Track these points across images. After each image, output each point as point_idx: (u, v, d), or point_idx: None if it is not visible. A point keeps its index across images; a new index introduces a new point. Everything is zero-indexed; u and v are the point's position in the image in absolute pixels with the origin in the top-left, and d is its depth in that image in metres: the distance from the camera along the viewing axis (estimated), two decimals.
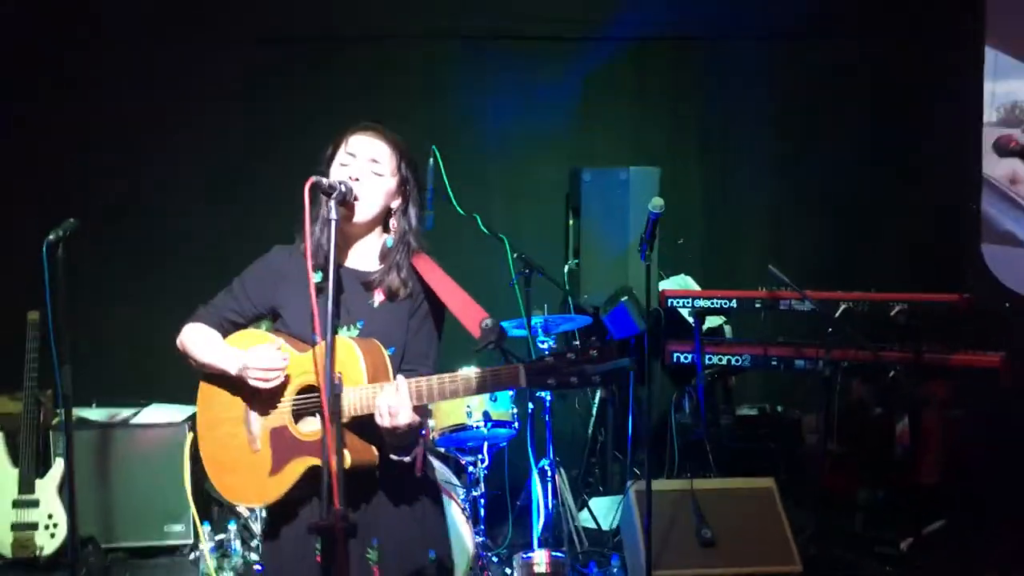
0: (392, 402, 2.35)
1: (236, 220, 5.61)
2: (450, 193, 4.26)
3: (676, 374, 5.31)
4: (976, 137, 5.63)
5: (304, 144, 5.50)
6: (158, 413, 5.21)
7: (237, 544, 4.69)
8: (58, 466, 4.72)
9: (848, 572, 4.65)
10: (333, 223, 2.37)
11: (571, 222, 5.69)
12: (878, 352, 4.20)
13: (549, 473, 4.52)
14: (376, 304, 2.59)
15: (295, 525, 2.57)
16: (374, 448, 2.47)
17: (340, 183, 2.43)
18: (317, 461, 2.45)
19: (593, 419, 5.52)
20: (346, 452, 2.41)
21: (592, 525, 5.07)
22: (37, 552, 4.60)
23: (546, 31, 5.81)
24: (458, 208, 4.27)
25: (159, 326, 5.50)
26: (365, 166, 2.56)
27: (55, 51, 5.56)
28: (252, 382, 2.50)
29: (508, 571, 4.36)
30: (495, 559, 4.56)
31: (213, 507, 5.14)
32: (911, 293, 4.47)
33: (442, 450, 4.51)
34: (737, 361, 4.93)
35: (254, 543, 4.67)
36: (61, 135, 5.59)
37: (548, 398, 4.54)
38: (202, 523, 4.90)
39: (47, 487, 4.66)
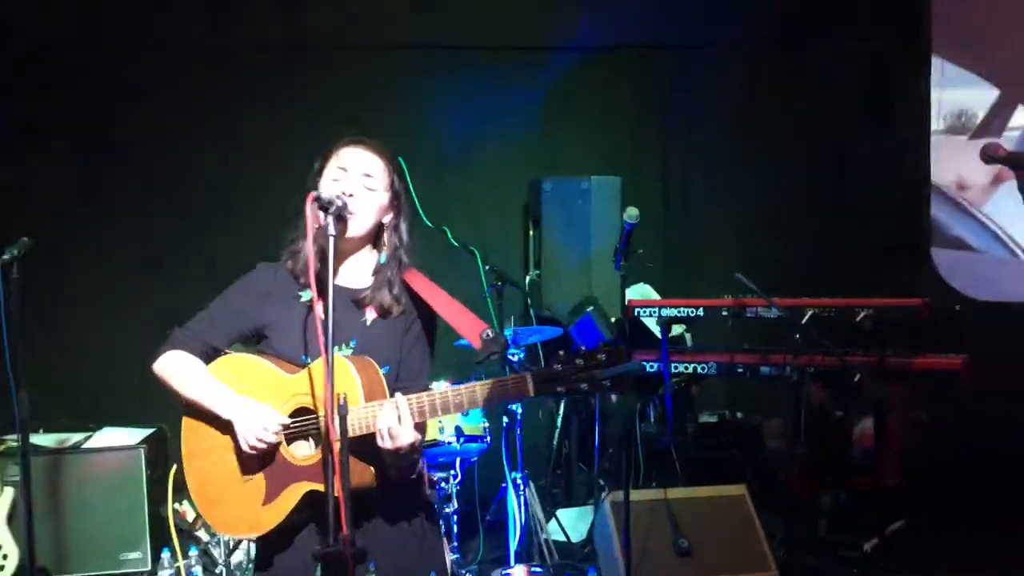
0: (392, 421, 2.29)
1: (179, 234, 5.48)
2: (418, 206, 4.18)
3: (641, 383, 5.31)
4: (925, 144, 5.77)
5: (259, 154, 5.54)
6: (111, 437, 5.02)
7: (199, 571, 4.54)
8: (6, 495, 4.51)
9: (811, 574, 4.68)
10: (332, 239, 2.29)
11: (531, 232, 5.67)
12: (844, 357, 4.24)
13: (521, 486, 4.47)
14: (369, 322, 2.52)
15: (291, 554, 2.47)
16: (372, 469, 2.39)
17: (337, 197, 2.36)
18: (315, 486, 2.37)
19: (558, 430, 5.49)
20: (334, 476, 2.33)
21: (560, 537, 5.04)
22: None
23: (506, 41, 5.79)
24: (426, 220, 4.20)
25: (105, 346, 5.46)
26: (358, 180, 2.49)
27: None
28: (243, 443, 2.40)
29: None
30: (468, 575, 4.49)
31: (171, 533, 4.97)
32: (875, 299, 4.53)
33: None
34: (703, 369, 4.95)
35: (217, 570, 4.53)
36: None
37: (519, 410, 4.50)
38: (161, 550, 4.77)
39: None
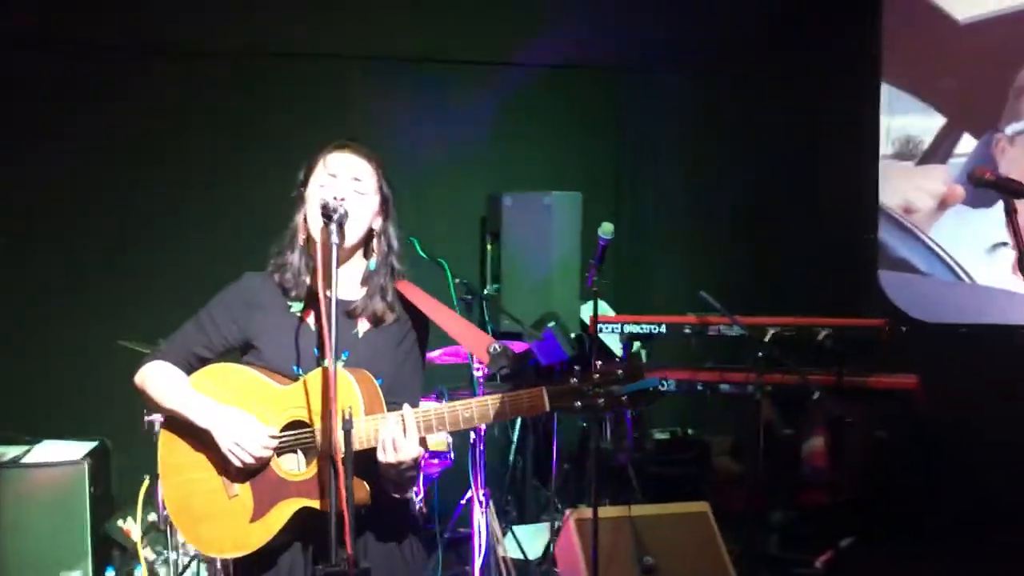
0: (397, 433, 2.22)
1: (121, 245, 5.32)
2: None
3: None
4: (874, 169, 5.91)
5: (217, 164, 5.39)
6: (52, 451, 4.79)
7: None
8: None
9: None
10: (335, 248, 2.22)
11: (490, 247, 5.62)
12: (806, 376, 4.30)
13: (483, 504, 4.41)
14: (361, 334, 2.44)
15: (275, 574, 2.38)
16: (367, 485, 2.31)
17: (339, 204, 2.29)
18: (308, 502, 2.29)
19: (514, 447, 5.45)
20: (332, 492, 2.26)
21: (517, 555, 4.98)
22: None
23: (461, 55, 5.75)
24: None
25: (42, 356, 5.23)
26: (348, 185, 2.42)
27: None
28: (229, 456, 2.31)
29: None
30: None
31: (114, 551, 4.78)
32: (836, 318, 4.61)
33: None
34: (663, 386, 4.96)
35: None
36: None
37: (483, 426, 4.44)
38: (104, 568, 4.58)
39: None
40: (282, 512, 2.31)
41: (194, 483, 2.39)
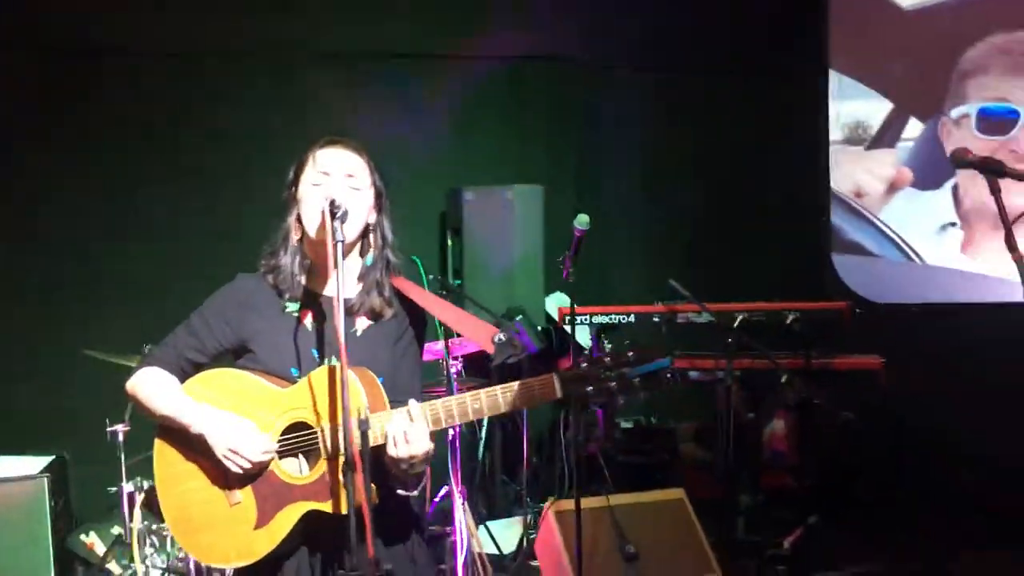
0: (408, 428, 2.17)
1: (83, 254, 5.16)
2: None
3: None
4: (824, 154, 6.01)
5: (166, 166, 5.25)
6: (9, 466, 4.62)
7: None
8: None
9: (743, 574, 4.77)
10: (340, 246, 2.17)
11: (451, 242, 5.57)
12: (776, 360, 4.35)
13: (462, 500, 4.38)
14: (359, 332, 2.39)
15: None
16: (373, 485, 2.27)
17: (342, 202, 2.24)
18: (316, 505, 2.24)
19: (482, 442, 5.42)
20: (343, 493, 2.22)
21: (491, 550, 4.96)
22: None
23: (419, 48, 5.68)
24: None
25: None
26: (343, 182, 2.37)
27: None
28: (226, 463, 2.25)
29: None
30: None
31: (77, 566, 4.62)
32: (801, 302, 4.68)
33: None
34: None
35: None
36: None
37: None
38: None
39: None
40: (288, 517, 2.25)
41: (192, 492, 2.32)
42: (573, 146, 6.13)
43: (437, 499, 4.65)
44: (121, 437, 4.29)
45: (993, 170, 2.61)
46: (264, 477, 2.28)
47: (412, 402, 2.21)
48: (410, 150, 5.62)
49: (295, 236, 2.39)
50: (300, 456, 2.31)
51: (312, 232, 2.32)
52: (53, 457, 4.68)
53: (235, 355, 2.41)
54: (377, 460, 2.20)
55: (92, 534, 4.61)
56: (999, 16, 5.59)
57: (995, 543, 4.69)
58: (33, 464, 4.59)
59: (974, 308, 5.66)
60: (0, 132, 5.09)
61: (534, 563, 5.01)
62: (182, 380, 2.37)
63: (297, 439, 2.28)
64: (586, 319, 4.89)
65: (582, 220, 3.80)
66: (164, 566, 4.29)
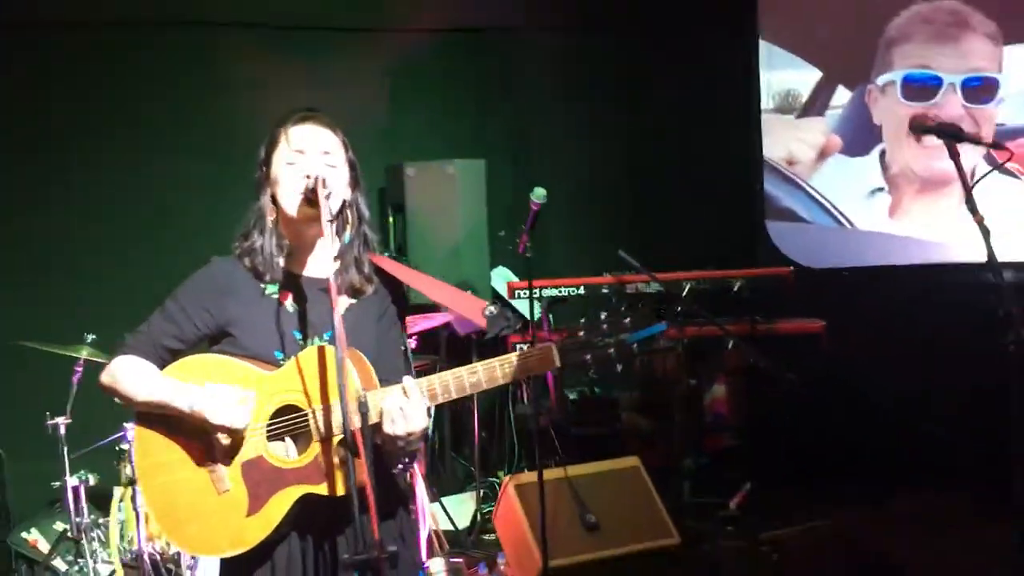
0: (404, 405, 2.14)
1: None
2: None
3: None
4: (756, 123, 6.12)
5: (80, 144, 5.04)
6: None
7: None
8: None
9: (697, 537, 4.87)
10: (332, 226, 2.12)
11: (392, 219, 5.51)
12: (724, 327, 4.44)
13: (423, 476, 4.36)
14: (341, 311, 2.34)
15: (269, 570, 2.27)
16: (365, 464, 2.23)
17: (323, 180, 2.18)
18: (310, 488, 2.19)
19: (431, 420, 5.39)
20: (338, 475, 2.18)
21: (446, 526, 4.96)
22: None
23: (346, 22, 5.57)
24: None
25: None
26: (319, 159, 2.31)
27: None
28: (233, 419, 2.18)
29: None
30: None
31: (21, 565, 4.47)
32: (746, 269, 4.77)
33: None
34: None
35: None
36: None
37: None
38: None
39: None
40: (282, 502, 2.20)
41: (178, 483, 2.25)
42: (505, 117, 6.11)
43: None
44: (63, 430, 4.15)
45: (951, 135, 2.69)
46: (254, 463, 2.22)
47: (407, 378, 2.18)
48: (342, 125, 5.51)
49: (270, 218, 2.32)
50: (288, 440, 2.26)
51: (293, 212, 2.26)
52: None
53: (212, 341, 2.34)
54: (370, 440, 2.17)
55: (35, 531, 4.46)
56: None
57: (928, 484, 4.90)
58: None
59: (903, 270, 5.84)
60: None
61: (488, 537, 5.04)
62: (160, 368, 2.29)
63: (286, 422, 2.23)
64: (536, 293, 4.89)
65: (539, 194, 3.80)
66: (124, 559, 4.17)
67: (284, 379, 2.22)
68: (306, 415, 2.20)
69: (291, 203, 2.26)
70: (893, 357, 5.26)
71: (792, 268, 4.94)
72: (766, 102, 6.11)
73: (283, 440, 2.26)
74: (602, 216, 6.23)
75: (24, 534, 4.46)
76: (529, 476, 4.33)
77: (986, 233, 2.53)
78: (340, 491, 2.17)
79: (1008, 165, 5.62)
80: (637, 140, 6.16)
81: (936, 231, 5.82)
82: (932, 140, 5.94)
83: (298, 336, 2.29)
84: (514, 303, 5.12)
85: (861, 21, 5.90)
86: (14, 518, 4.66)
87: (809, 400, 5.05)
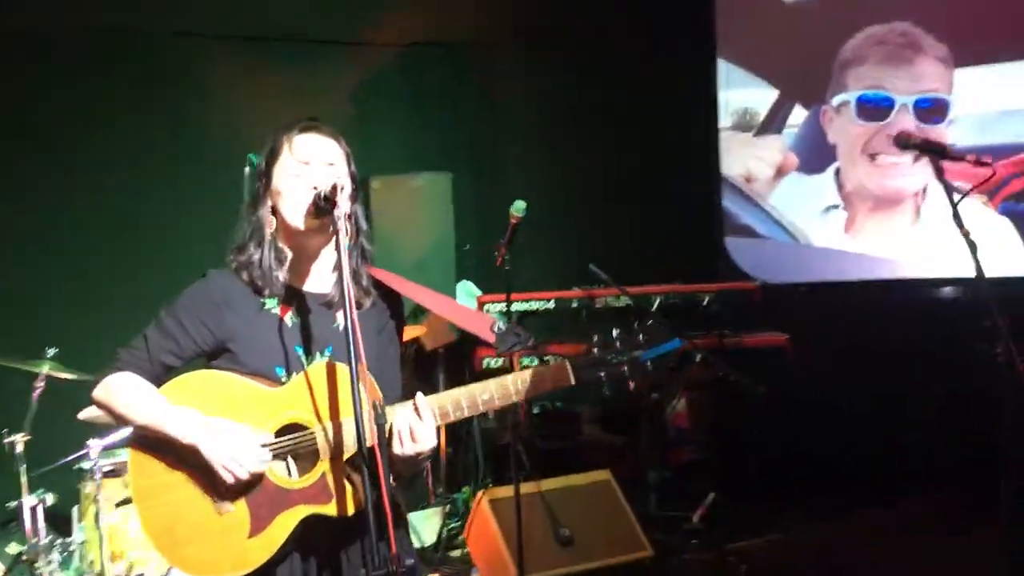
0: (415, 423, 2.12)
1: None
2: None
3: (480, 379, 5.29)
4: (714, 141, 6.22)
5: (50, 152, 4.90)
6: None
7: None
8: None
9: (665, 550, 4.90)
10: (344, 237, 2.08)
11: None
12: (694, 341, 4.49)
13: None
14: (341, 328, 2.30)
15: None
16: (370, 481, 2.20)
17: (334, 192, 2.15)
18: (316, 508, 2.16)
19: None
20: (348, 494, 2.15)
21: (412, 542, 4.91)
22: None
23: (314, 34, 5.53)
24: None
25: None
26: (323, 170, 2.28)
27: None
28: (222, 473, 2.13)
29: None
30: None
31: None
32: (715, 284, 4.84)
33: None
34: (549, 360, 5.00)
35: None
36: None
37: None
38: None
39: None
40: (285, 523, 2.16)
41: (176, 504, 2.18)
42: (472, 131, 6.11)
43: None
44: (20, 448, 4.01)
45: (936, 151, 2.76)
46: (257, 483, 2.17)
47: (419, 395, 2.15)
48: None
49: (269, 230, 2.27)
50: (289, 459, 2.21)
51: (298, 224, 2.22)
52: None
53: (210, 357, 2.28)
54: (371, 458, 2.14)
55: None
56: (874, 9, 5.91)
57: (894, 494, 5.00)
58: None
59: (857, 285, 5.98)
60: None
61: (454, 553, 5.00)
62: (156, 386, 2.23)
63: (291, 441, 2.18)
64: (505, 307, 4.87)
65: (519, 207, 3.81)
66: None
67: (289, 397, 2.18)
68: (312, 433, 2.16)
69: (296, 215, 2.22)
70: (854, 369, 5.37)
71: (759, 283, 5.01)
72: (724, 120, 6.21)
73: (284, 459, 2.21)
74: (564, 231, 6.26)
75: None
76: (503, 491, 4.31)
77: (973, 247, 2.58)
78: (350, 510, 2.14)
79: (958, 184, 5.84)
80: (600, 156, 6.21)
81: (888, 248, 5.97)
82: (885, 159, 6.17)
83: (300, 351, 2.25)
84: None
85: (816, 42, 6.04)
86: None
87: (776, 412, 5.15)
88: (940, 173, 2.70)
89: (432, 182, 5.29)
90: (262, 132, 5.39)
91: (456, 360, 5.04)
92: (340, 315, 2.31)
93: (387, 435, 2.13)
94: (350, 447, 2.14)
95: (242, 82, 5.28)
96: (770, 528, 4.96)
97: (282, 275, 2.28)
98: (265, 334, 2.24)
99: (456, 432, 5.64)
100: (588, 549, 4.20)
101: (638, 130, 6.23)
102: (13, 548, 4.30)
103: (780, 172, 6.14)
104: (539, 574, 4.03)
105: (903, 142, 2.81)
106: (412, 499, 5.52)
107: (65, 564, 4.24)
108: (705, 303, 4.66)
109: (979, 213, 5.64)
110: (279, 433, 2.18)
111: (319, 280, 2.32)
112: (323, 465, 2.15)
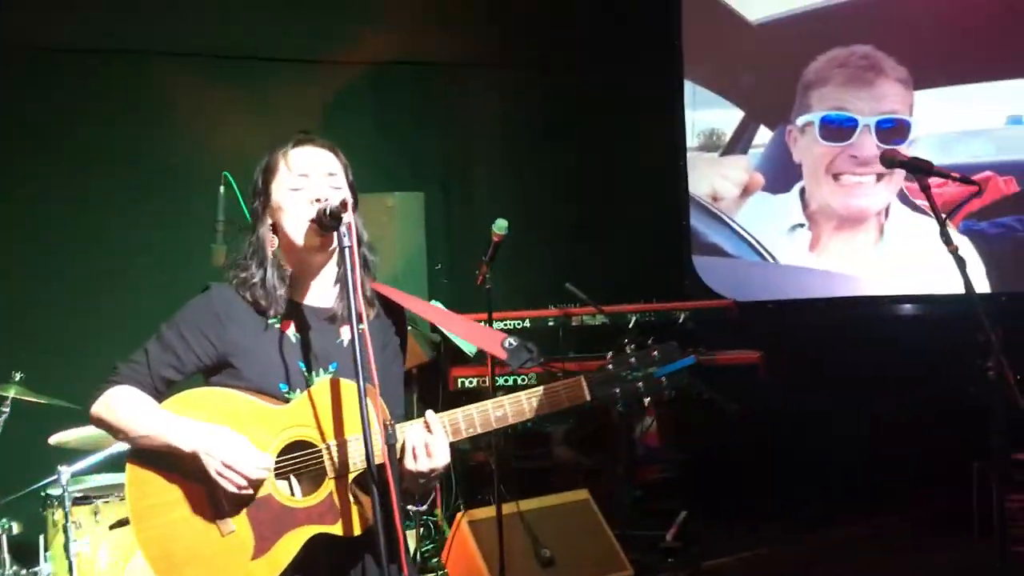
0: (429, 440, 2.08)
1: None
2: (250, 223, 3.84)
3: (455, 400, 5.25)
4: (682, 160, 6.27)
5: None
6: None
7: None
8: None
9: (640, 570, 4.89)
10: (348, 251, 2.05)
11: None
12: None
13: None
14: (345, 343, 2.27)
15: None
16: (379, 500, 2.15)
17: (339, 208, 2.12)
18: (323, 528, 2.11)
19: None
20: (355, 513, 2.11)
21: None
22: None
23: (280, 53, 5.47)
24: None
25: None
26: (324, 182, 2.25)
27: None
28: (220, 481, 2.07)
29: None
30: None
31: None
32: (690, 302, 4.87)
33: None
34: (523, 380, 4.99)
35: None
36: None
37: None
38: None
39: None
40: (290, 544, 2.10)
41: (176, 524, 2.12)
42: (443, 151, 6.09)
43: None
44: None
45: (922, 169, 2.80)
46: (261, 502, 2.11)
47: (429, 412, 2.12)
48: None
49: (270, 249, 2.23)
50: (292, 478, 2.16)
51: (300, 239, 2.18)
52: None
53: (210, 372, 2.23)
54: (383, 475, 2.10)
55: None
56: (837, 32, 6.03)
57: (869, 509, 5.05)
58: None
59: (821, 303, 6.07)
60: None
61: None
62: (157, 401, 2.17)
63: (296, 460, 2.13)
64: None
65: (501, 225, 3.80)
66: None
67: (294, 414, 2.13)
68: (319, 451, 2.11)
69: (299, 230, 2.18)
70: (823, 385, 5.43)
71: (734, 301, 5.06)
72: (691, 140, 6.27)
73: (287, 479, 2.16)
74: (532, 250, 6.25)
75: None
76: (482, 512, 4.28)
77: (960, 262, 2.62)
78: (357, 530, 2.10)
79: (919, 203, 5.97)
80: (570, 176, 6.22)
81: (852, 265, 6.07)
82: (848, 179, 6.27)
83: (303, 367, 2.21)
84: (455, 336, 5.07)
85: (781, 64, 6.15)
86: None
87: (748, 429, 5.19)
88: (927, 190, 2.73)
89: (404, 201, 5.25)
90: (231, 151, 5.36)
91: (430, 381, 4.99)
92: (344, 330, 2.27)
93: (400, 452, 2.09)
94: (357, 465, 2.09)
95: (210, 101, 5.19)
96: (745, 545, 4.98)
97: (283, 292, 2.23)
98: (268, 349, 2.19)
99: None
100: (569, 569, 4.18)
101: (606, 149, 6.26)
102: None
103: (746, 191, 6.21)
104: None
105: (888, 160, 2.84)
106: None
107: None
108: (681, 320, 4.68)
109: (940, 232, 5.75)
110: (284, 451, 2.14)
111: (321, 294, 2.28)
112: (330, 484, 2.10)
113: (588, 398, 2.15)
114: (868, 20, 5.98)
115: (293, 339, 2.22)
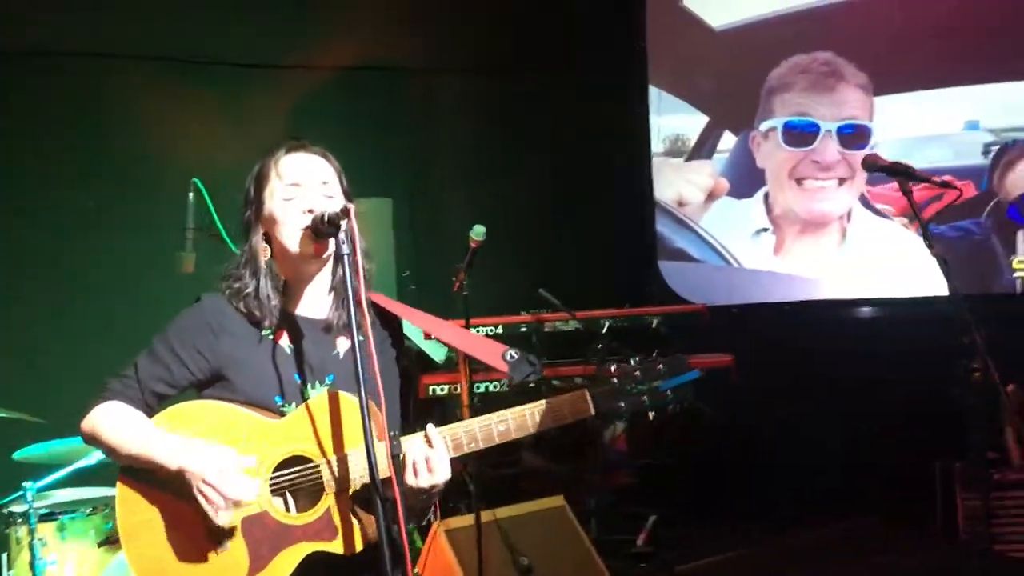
0: (431, 455, 2.05)
1: None
2: (222, 231, 3.76)
3: (426, 408, 5.20)
4: (647, 166, 6.30)
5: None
6: None
7: None
8: None
9: (616, 574, 4.88)
10: (347, 259, 2.01)
11: None
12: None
13: None
14: (342, 354, 2.23)
15: None
16: (374, 520, 2.12)
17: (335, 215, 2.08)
18: (321, 545, 2.07)
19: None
20: (355, 529, 2.07)
21: None
22: None
23: (248, 58, 5.39)
24: (233, 247, 3.78)
25: None
26: (317, 191, 2.21)
27: None
28: (200, 500, 2.00)
29: None
30: None
31: None
32: (662, 307, 4.88)
33: None
34: (495, 387, 4.96)
35: None
36: None
37: None
38: None
39: None
40: (287, 561, 2.06)
41: (168, 542, 2.07)
42: (411, 157, 6.04)
43: None
44: None
45: (903, 173, 2.83)
46: (257, 519, 2.06)
47: (430, 426, 2.08)
48: (243, 163, 5.30)
49: (263, 259, 2.18)
50: (287, 494, 2.11)
51: (295, 249, 2.14)
52: None
53: (201, 387, 2.17)
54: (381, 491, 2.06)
55: None
56: (799, 38, 6.10)
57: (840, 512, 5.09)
58: None
59: (786, 306, 6.13)
60: None
61: None
62: (148, 416, 2.11)
63: (293, 475, 2.08)
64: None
65: (478, 231, 3.78)
66: None
67: (291, 428, 2.09)
68: (316, 466, 2.07)
69: (293, 240, 2.14)
70: (791, 388, 5.48)
71: (706, 305, 5.08)
72: (656, 146, 6.30)
73: (282, 495, 2.11)
74: (499, 257, 6.22)
75: None
76: (458, 521, 4.23)
77: (943, 264, 2.66)
78: (357, 547, 2.06)
79: (880, 207, 6.07)
80: (536, 182, 6.20)
81: (816, 269, 6.14)
82: (811, 183, 6.34)
83: (297, 379, 2.16)
84: (427, 344, 5.03)
85: (744, 70, 6.20)
86: None
87: (719, 433, 5.22)
88: (909, 194, 2.77)
89: (372, 207, 5.21)
90: (200, 157, 5.26)
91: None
92: (340, 341, 2.23)
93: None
94: (357, 480, 2.05)
95: (177, 106, 5.09)
96: (718, 548, 5.00)
97: (277, 302, 2.19)
98: (261, 361, 2.15)
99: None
100: None
101: (573, 155, 6.26)
102: None
103: (711, 196, 6.26)
104: None
105: (870, 165, 2.88)
106: None
107: None
108: (654, 326, 4.69)
109: (901, 236, 5.86)
110: (280, 466, 2.09)
111: (314, 304, 2.24)
112: (328, 499, 2.06)
113: (593, 412, 2.13)
114: (829, 27, 6.07)
115: (287, 350, 2.18)
